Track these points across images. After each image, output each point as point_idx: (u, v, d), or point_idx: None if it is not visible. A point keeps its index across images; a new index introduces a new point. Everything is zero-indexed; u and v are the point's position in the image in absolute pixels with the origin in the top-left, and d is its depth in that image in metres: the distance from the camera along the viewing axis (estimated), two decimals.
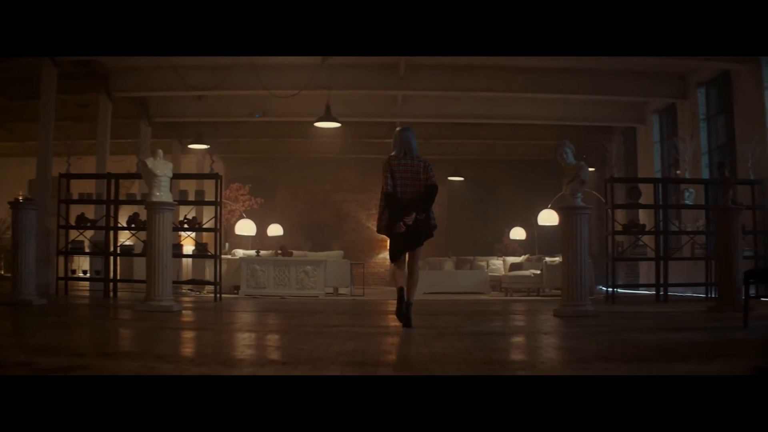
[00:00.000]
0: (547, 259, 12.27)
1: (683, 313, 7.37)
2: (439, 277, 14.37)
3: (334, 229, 20.10)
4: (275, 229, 16.26)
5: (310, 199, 20.37)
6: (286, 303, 9.77)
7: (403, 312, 5.50)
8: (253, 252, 12.18)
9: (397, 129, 5.84)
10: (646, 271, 11.27)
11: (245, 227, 13.02)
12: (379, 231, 5.78)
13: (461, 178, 17.80)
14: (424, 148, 17.70)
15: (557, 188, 19.91)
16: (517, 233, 17.07)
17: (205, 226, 10.43)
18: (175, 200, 7.59)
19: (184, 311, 7.42)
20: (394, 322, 5.89)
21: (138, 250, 9.85)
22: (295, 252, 12.25)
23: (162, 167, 7.37)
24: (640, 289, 11.33)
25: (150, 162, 7.35)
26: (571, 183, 7.08)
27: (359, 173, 20.21)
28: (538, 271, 12.29)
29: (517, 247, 18.07)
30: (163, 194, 7.27)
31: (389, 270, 7.75)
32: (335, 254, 12.26)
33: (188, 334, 5.29)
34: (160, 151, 7.48)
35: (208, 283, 10.40)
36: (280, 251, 11.74)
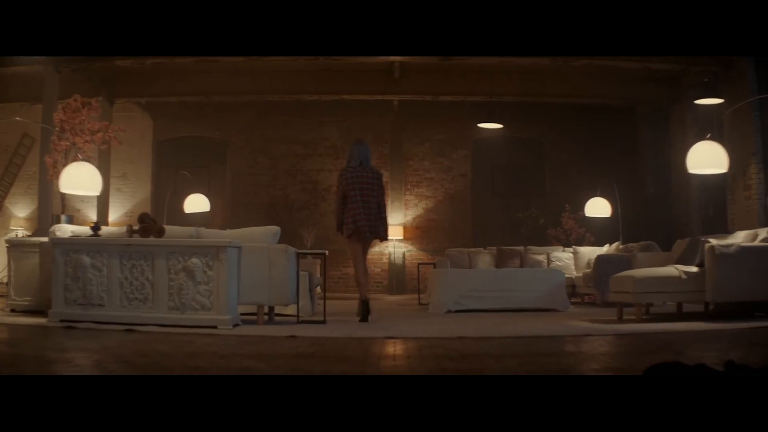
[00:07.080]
0: (714, 241, 5.80)
1: None
2: (473, 282, 7.83)
3: (307, 210, 13.81)
4: (197, 203, 9.81)
5: (273, 167, 14.15)
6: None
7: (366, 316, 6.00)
8: (86, 229, 5.68)
9: (351, 143, 6.55)
10: None
11: (76, 180, 6.17)
12: (339, 230, 6.52)
13: (498, 125, 11.30)
14: (435, 76, 11.09)
15: (635, 146, 13.46)
16: (597, 207, 10.44)
17: None
18: None
19: None
20: None
21: None
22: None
23: None
24: None
25: None
26: None
27: (343, 130, 14.03)
28: (694, 269, 5.84)
29: (584, 233, 11.62)
30: None
31: (355, 275, 6.49)
32: (261, 232, 5.55)
33: None
34: None
35: None
36: (135, 228, 5.26)
